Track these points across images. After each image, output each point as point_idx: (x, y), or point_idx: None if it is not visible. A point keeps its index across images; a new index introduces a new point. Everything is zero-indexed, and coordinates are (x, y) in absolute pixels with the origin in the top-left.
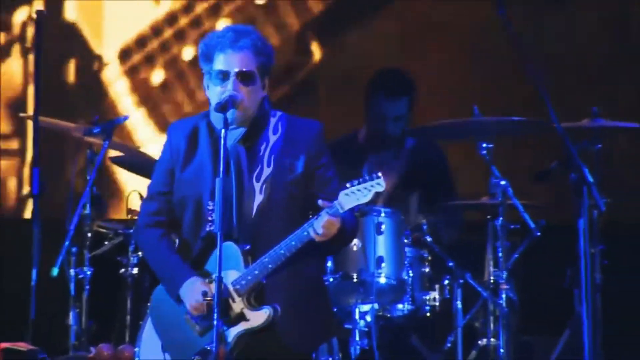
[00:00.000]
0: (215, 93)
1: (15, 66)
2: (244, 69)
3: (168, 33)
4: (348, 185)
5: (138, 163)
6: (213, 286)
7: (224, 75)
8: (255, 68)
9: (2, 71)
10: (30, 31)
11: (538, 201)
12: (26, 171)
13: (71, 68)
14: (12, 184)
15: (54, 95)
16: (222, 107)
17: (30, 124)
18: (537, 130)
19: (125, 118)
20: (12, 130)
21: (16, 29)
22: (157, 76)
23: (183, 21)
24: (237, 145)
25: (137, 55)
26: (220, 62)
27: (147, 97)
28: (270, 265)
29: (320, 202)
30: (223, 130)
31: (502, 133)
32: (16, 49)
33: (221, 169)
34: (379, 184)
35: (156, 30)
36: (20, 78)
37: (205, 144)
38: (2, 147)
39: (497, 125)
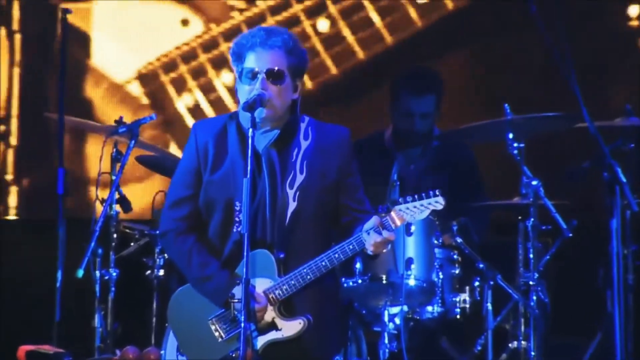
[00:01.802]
0: (244, 92)
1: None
2: (273, 68)
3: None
4: (401, 200)
5: (164, 163)
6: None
7: (253, 74)
8: (285, 67)
9: None
10: (16, 13)
11: (570, 201)
12: (9, 157)
13: None
14: None
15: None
16: (250, 106)
17: (14, 108)
18: (569, 125)
19: (152, 117)
20: None
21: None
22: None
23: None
24: (270, 149)
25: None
26: (250, 61)
27: None
28: (309, 277)
29: (374, 218)
30: (250, 130)
31: (535, 131)
32: (2, 32)
33: (248, 168)
34: (438, 202)
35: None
36: (7, 62)
37: (234, 145)
38: None
39: (530, 123)
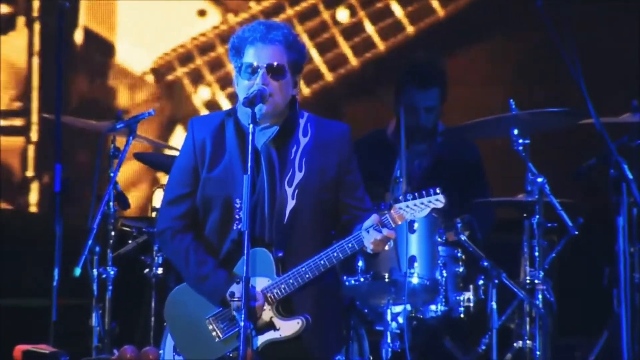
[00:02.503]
0: (243, 87)
1: (19, 39)
2: (274, 63)
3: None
4: (401, 198)
5: (163, 159)
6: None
7: (253, 69)
8: (285, 62)
9: (5, 44)
10: (36, 3)
11: (576, 198)
12: (30, 151)
13: None
14: (15, 163)
15: None
16: (250, 101)
17: (34, 101)
18: (575, 121)
19: (150, 113)
20: (16, 106)
21: (21, 0)
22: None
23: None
24: (269, 146)
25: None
26: (249, 56)
27: None
28: (308, 275)
29: (373, 217)
30: (251, 125)
31: (540, 127)
32: (21, 21)
33: (249, 165)
34: (439, 200)
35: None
36: (25, 51)
37: (232, 142)
38: (3, 124)
39: (534, 118)
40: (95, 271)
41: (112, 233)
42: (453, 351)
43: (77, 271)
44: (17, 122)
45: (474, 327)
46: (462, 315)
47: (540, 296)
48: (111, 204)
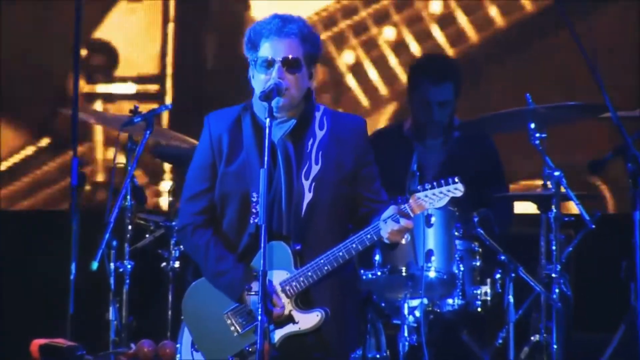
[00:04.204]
0: (259, 82)
1: (155, 5)
2: (289, 56)
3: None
4: (420, 188)
5: (179, 154)
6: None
7: (268, 63)
8: (301, 55)
9: (140, 10)
10: None
11: (593, 192)
12: (164, 117)
13: None
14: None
15: None
16: (267, 95)
17: (169, 67)
18: (592, 115)
19: (167, 107)
20: (151, 72)
21: None
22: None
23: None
24: (285, 140)
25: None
26: (265, 50)
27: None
28: (326, 268)
29: (392, 207)
30: (267, 119)
31: (557, 121)
32: None
33: (265, 159)
34: (457, 189)
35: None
36: (160, 17)
37: (249, 136)
38: (139, 89)
39: (551, 112)
40: (112, 265)
41: (129, 227)
42: (470, 345)
43: (95, 265)
44: (152, 87)
45: (491, 321)
46: (479, 309)
47: (557, 290)
48: (128, 197)
